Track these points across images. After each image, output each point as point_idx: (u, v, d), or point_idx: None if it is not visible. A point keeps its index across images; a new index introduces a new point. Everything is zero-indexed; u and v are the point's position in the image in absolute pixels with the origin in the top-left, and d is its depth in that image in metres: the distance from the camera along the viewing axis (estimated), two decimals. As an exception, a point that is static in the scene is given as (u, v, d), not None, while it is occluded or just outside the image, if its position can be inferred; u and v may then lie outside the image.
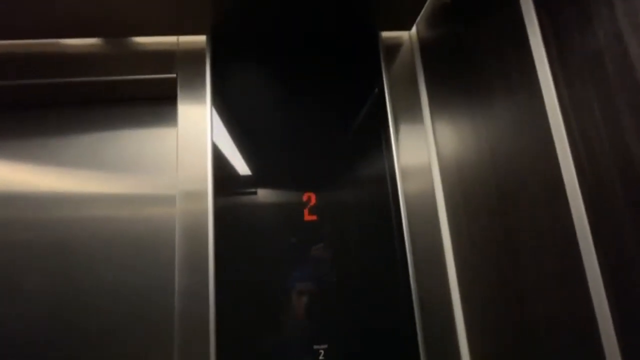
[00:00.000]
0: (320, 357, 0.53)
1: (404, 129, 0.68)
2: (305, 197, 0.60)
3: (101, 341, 0.62)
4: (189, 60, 0.68)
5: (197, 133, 0.64)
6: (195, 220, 0.60)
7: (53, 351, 0.62)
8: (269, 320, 0.55)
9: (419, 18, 0.70)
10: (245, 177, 0.62)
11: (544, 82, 0.37)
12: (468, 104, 0.55)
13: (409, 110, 0.69)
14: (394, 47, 0.73)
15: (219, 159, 0.61)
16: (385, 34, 0.72)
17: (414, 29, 0.73)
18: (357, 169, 0.63)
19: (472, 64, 0.53)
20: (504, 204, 0.47)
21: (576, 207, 0.35)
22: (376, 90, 0.67)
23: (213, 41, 0.67)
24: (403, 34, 0.74)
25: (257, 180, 0.61)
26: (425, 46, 0.71)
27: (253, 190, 0.61)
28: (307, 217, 0.59)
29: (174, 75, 0.68)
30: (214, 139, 0.62)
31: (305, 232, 0.58)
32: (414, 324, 0.56)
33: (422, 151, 0.67)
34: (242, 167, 0.62)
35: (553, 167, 0.37)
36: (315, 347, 0.54)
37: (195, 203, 0.61)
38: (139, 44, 0.69)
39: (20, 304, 0.63)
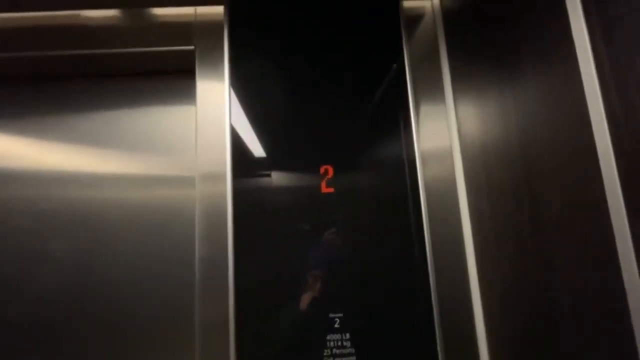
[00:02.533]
0: (336, 325, 0.54)
1: (425, 105, 0.66)
2: (322, 170, 0.60)
3: (127, 305, 0.65)
4: (207, 31, 0.68)
5: (216, 110, 0.64)
6: (214, 202, 0.61)
7: (80, 316, 0.65)
8: (287, 290, 0.56)
9: (443, -15, 0.67)
10: (263, 152, 0.62)
11: (579, 42, 0.35)
12: (495, 78, 0.52)
13: (430, 85, 0.67)
14: (416, 18, 0.70)
15: (237, 136, 0.62)
16: (407, 4, 0.69)
17: (437, -2, 0.70)
18: (375, 145, 0.62)
19: (501, 34, 0.51)
20: (531, 189, 0.45)
21: (611, 186, 0.32)
22: (396, 64, 0.65)
23: (231, 11, 0.66)
24: (425, 3, 0.71)
25: (275, 154, 0.61)
26: (449, 16, 0.68)
27: (271, 165, 0.61)
28: (325, 189, 0.59)
29: (192, 47, 0.68)
30: (232, 115, 0.62)
31: (322, 204, 0.59)
32: (431, 307, 0.56)
33: (443, 129, 0.65)
34: (259, 142, 0.62)
35: (586, 140, 0.34)
36: (331, 315, 0.55)
37: (215, 185, 0.61)
38: (156, 15, 0.69)
39: (48, 274, 0.66)
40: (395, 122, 0.63)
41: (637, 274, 0.31)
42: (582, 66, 0.35)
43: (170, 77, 0.73)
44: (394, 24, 0.67)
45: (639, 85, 0.30)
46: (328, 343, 0.54)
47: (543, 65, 0.42)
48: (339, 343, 0.54)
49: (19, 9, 0.66)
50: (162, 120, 0.73)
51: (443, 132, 0.65)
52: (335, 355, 0.54)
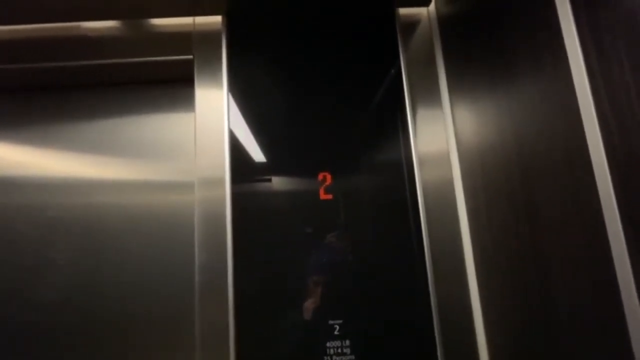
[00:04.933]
0: (336, 332, 0.54)
1: (422, 110, 0.67)
2: (320, 177, 0.60)
3: (127, 309, 0.65)
4: (206, 41, 0.69)
5: (215, 117, 0.65)
6: (214, 206, 0.61)
7: (80, 321, 0.65)
8: (286, 296, 0.57)
9: (438, -8, 0.68)
10: (262, 159, 0.62)
11: (570, 48, 0.36)
12: (490, 84, 0.53)
13: (427, 91, 0.68)
14: (412, 25, 0.71)
15: (235, 141, 0.62)
16: (403, 11, 0.70)
17: (432, 5, 0.71)
18: (373, 151, 0.62)
19: (495, 40, 0.51)
20: (527, 192, 0.45)
21: (604, 188, 0.33)
22: (393, 70, 0.66)
23: (228, 21, 0.67)
24: (421, 10, 0.72)
25: (273, 161, 0.62)
26: (445, 22, 0.68)
27: (270, 172, 0.61)
28: (323, 196, 0.59)
29: (191, 56, 0.69)
30: (231, 122, 0.63)
31: (321, 211, 0.59)
32: (430, 313, 0.56)
33: (440, 133, 0.66)
34: (258, 149, 0.63)
35: (579, 143, 0.35)
36: (331, 322, 0.55)
37: (214, 189, 0.62)
38: (155, 25, 0.70)
39: (51, 279, 0.67)
40: (392, 127, 0.64)
41: (631, 277, 0.31)
42: (574, 72, 0.35)
43: (170, 85, 0.74)
44: (390, 31, 0.68)
45: (629, 90, 0.31)
46: (328, 350, 0.54)
47: (536, 71, 0.42)
48: (339, 350, 0.54)
49: (20, 21, 0.68)
50: (162, 127, 0.74)
51: (440, 136, 0.66)
52: (335, 362, 0.54)
